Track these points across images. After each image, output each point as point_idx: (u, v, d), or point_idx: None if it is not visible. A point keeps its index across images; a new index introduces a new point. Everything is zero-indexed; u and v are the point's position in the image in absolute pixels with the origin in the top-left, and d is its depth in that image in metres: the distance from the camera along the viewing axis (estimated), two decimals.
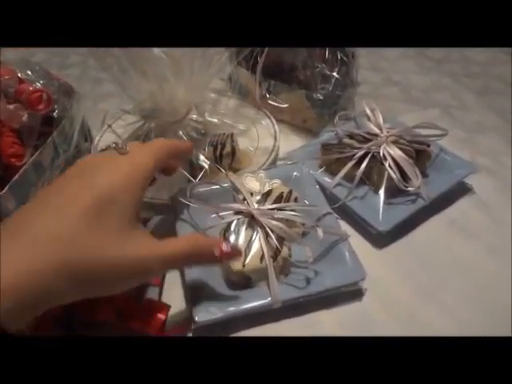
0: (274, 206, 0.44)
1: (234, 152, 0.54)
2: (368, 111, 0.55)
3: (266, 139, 0.60)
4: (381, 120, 0.54)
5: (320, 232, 0.42)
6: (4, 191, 0.44)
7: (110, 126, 0.62)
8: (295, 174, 0.50)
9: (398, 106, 0.71)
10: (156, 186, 0.53)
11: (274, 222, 0.42)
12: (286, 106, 0.63)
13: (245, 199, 0.45)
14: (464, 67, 0.80)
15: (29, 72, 0.53)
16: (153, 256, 0.32)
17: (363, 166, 0.49)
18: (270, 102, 0.63)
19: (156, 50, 0.45)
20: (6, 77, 0.49)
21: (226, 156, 0.54)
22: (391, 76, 0.78)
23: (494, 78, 0.77)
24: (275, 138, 0.59)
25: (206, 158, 0.53)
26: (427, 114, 0.68)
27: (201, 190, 0.48)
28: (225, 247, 0.36)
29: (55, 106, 0.52)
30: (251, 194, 0.46)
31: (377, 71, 0.79)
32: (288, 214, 0.43)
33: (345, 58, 0.62)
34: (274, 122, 0.62)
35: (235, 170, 0.55)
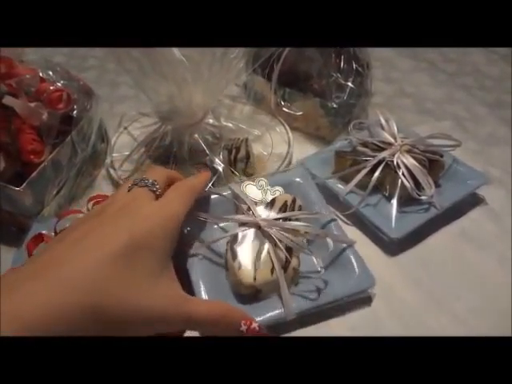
0: (280, 215, 0.44)
1: (248, 157, 0.55)
2: (382, 120, 0.56)
3: (280, 146, 0.61)
4: (395, 129, 0.54)
5: (330, 242, 0.42)
6: (22, 187, 0.45)
7: (126, 128, 0.64)
8: (296, 179, 0.50)
9: (410, 116, 0.71)
10: None
11: (283, 233, 0.42)
12: (300, 113, 0.63)
13: (249, 209, 0.45)
14: (477, 80, 0.81)
15: (50, 72, 0.54)
16: (179, 314, 0.31)
17: (377, 173, 0.50)
18: (284, 109, 0.64)
19: (176, 53, 0.46)
20: (28, 76, 0.50)
21: (241, 160, 0.55)
22: (404, 87, 0.79)
23: (507, 91, 0.77)
24: (289, 145, 0.60)
25: (220, 161, 0.54)
26: (440, 125, 0.68)
27: (201, 199, 0.47)
28: (254, 326, 0.33)
29: (74, 106, 0.53)
30: (255, 203, 0.46)
31: (390, 82, 0.80)
32: (296, 224, 0.43)
33: (359, 69, 0.63)
34: (288, 129, 0.63)
35: (249, 175, 0.56)
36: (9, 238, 0.49)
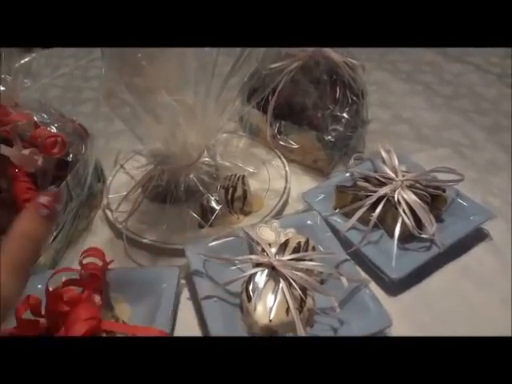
0: (294, 256, 0.44)
1: (245, 195, 0.55)
2: (383, 154, 0.56)
3: (277, 181, 0.60)
4: (396, 163, 0.54)
5: (345, 281, 0.42)
6: None
7: (122, 166, 0.63)
8: (308, 222, 0.50)
9: (408, 144, 0.71)
10: (167, 229, 0.53)
11: (297, 273, 0.42)
12: (296, 146, 0.63)
13: (263, 250, 0.45)
14: (473, 103, 0.81)
15: (44, 115, 0.54)
16: None
17: (378, 210, 0.49)
18: (280, 142, 0.64)
19: (168, 98, 0.45)
20: (23, 121, 0.50)
21: (238, 199, 0.54)
22: (400, 112, 0.79)
23: (505, 114, 0.77)
24: (286, 180, 0.60)
25: (217, 201, 0.54)
26: (438, 153, 0.68)
27: (214, 243, 0.48)
28: (42, 201, 0.32)
29: (69, 150, 0.52)
30: (269, 244, 0.46)
31: (385, 107, 0.80)
32: (309, 264, 0.43)
33: (355, 98, 0.63)
34: (285, 162, 0.62)
35: (247, 213, 0.55)
36: None
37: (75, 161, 0.52)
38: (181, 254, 0.51)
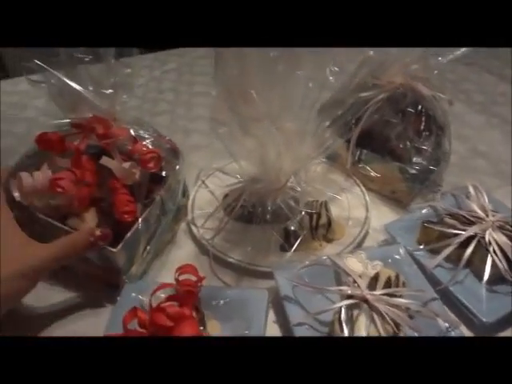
0: (386, 291, 0.44)
1: (329, 223, 0.55)
2: (471, 190, 0.55)
3: (357, 209, 0.60)
4: (486, 202, 0.53)
5: (441, 322, 0.42)
6: (118, 248, 0.46)
7: (203, 182, 0.65)
8: (394, 255, 0.50)
9: (486, 179, 0.70)
10: (249, 251, 0.54)
11: (390, 308, 0.42)
12: (377, 176, 0.63)
13: (355, 282, 0.45)
14: None
15: (141, 131, 0.56)
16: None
17: (469, 251, 0.49)
18: (360, 171, 0.64)
19: (271, 127, 0.47)
20: (124, 136, 0.52)
21: (322, 226, 0.55)
22: (477, 146, 0.78)
23: None
24: (367, 209, 0.60)
25: (301, 226, 0.54)
26: None
27: (303, 269, 0.48)
28: (98, 233, 0.45)
29: (163, 165, 0.54)
30: (359, 276, 0.46)
31: (462, 140, 0.79)
32: (403, 301, 0.43)
33: (438, 131, 0.63)
34: (365, 191, 0.63)
35: (329, 240, 0.56)
36: (101, 295, 0.51)
37: (168, 176, 0.54)
38: (265, 276, 0.52)
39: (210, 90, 0.98)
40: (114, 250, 0.46)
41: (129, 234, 0.48)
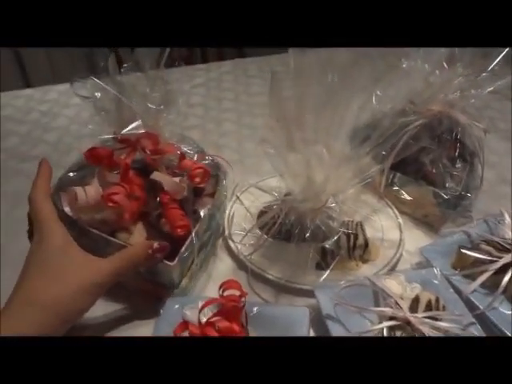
0: (428, 314, 0.45)
1: (366, 244, 0.56)
2: (507, 217, 0.56)
3: (391, 231, 0.62)
4: None
5: None
6: (175, 262, 0.48)
7: (238, 197, 0.66)
8: (432, 279, 0.51)
9: None
10: (287, 268, 0.55)
11: (433, 331, 0.43)
12: (410, 199, 0.64)
13: (397, 303, 0.46)
14: None
15: (186, 147, 0.57)
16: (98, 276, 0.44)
17: (507, 278, 0.50)
18: (393, 193, 0.65)
19: (323, 151, 0.48)
20: (170, 153, 0.54)
21: (359, 247, 0.56)
22: (503, 173, 0.79)
23: None
24: (400, 231, 0.61)
25: (338, 245, 0.56)
26: None
27: (344, 289, 0.50)
28: (155, 245, 0.46)
29: (209, 180, 0.56)
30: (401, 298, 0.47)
31: (488, 166, 0.79)
32: (444, 324, 0.44)
33: (473, 159, 0.64)
34: (397, 213, 0.64)
35: (364, 261, 0.57)
36: (146, 308, 0.51)
37: (214, 191, 0.56)
38: (303, 293, 0.53)
39: (238, 106, 1.02)
40: (171, 263, 0.47)
41: (184, 248, 0.49)
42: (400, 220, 0.63)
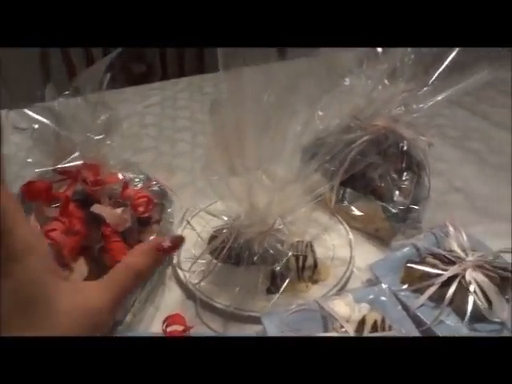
0: (372, 335, 0.45)
1: (316, 265, 0.56)
2: (451, 230, 0.57)
3: (342, 248, 0.62)
4: (465, 241, 0.55)
5: None
6: None
7: (188, 222, 0.65)
8: (380, 297, 0.52)
9: (463, 215, 0.72)
10: (236, 294, 0.55)
11: None
12: (360, 214, 0.65)
13: (342, 327, 0.46)
14: None
15: (129, 174, 0.56)
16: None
17: (451, 291, 0.50)
18: (344, 209, 0.66)
19: (264, 178, 0.48)
20: (112, 182, 0.53)
21: (308, 268, 0.56)
22: (452, 181, 0.80)
23: None
24: (351, 248, 0.61)
25: (287, 267, 0.55)
26: (495, 227, 0.69)
27: (292, 314, 0.49)
28: (164, 244, 0.35)
29: (154, 209, 0.55)
30: (346, 320, 0.47)
31: (438, 175, 0.81)
32: None
33: (420, 172, 0.65)
34: (348, 229, 0.64)
35: (315, 282, 0.57)
36: None
37: (159, 219, 0.55)
38: (253, 320, 0.52)
39: (193, 124, 1.01)
40: None
41: None
42: (351, 237, 0.63)
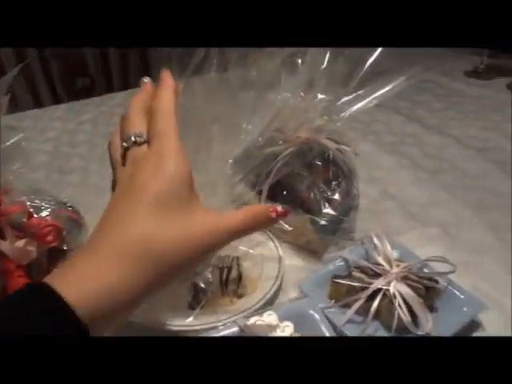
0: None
1: (240, 277, 0.54)
2: (375, 241, 0.56)
3: (270, 263, 0.60)
4: (389, 251, 0.54)
5: None
6: None
7: None
8: (306, 314, 0.50)
9: (396, 222, 0.72)
10: (158, 309, 0.52)
11: None
12: (290, 228, 0.63)
13: None
14: (457, 179, 0.83)
15: (38, 201, 0.53)
16: (219, 230, 0.37)
17: (375, 305, 0.49)
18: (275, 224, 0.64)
19: None
20: (17, 213, 0.49)
21: (232, 281, 0.54)
22: (387, 188, 0.80)
23: (487, 191, 0.79)
24: (279, 263, 0.59)
25: (210, 281, 0.53)
26: (427, 233, 0.69)
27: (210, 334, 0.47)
28: (279, 210, 0.39)
29: (64, 238, 0.51)
30: None
31: (373, 183, 0.81)
32: None
33: (347, 182, 0.65)
34: (278, 245, 0.62)
35: (240, 296, 0.55)
36: None
37: (70, 249, 0.51)
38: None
39: None
40: None
41: None
42: (280, 252, 0.61)
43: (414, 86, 1.24)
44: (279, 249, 0.62)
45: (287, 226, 0.63)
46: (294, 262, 0.63)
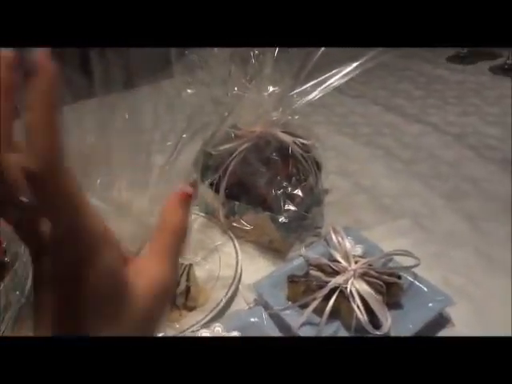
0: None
1: (188, 290, 0.51)
2: (334, 237, 0.53)
3: (228, 269, 0.57)
4: (347, 248, 0.52)
5: None
6: None
7: None
8: (256, 321, 0.47)
9: (367, 216, 0.69)
10: None
11: None
12: (250, 228, 0.61)
13: None
14: (432, 167, 0.80)
15: None
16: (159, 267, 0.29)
17: (330, 304, 0.47)
18: (235, 223, 0.62)
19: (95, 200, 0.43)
20: None
21: (180, 295, 0.51)
22: (360, 181, 0.77)
23: (463, 178, 0.76)
24: (236, 270, 0.56)
25: None
26: (397, 225, 0.66)
27: None
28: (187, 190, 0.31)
29: (6, 252, 0.49)
30: None
31: (345, 176, 0.78)
32: None
33: (308, 176, 0.62)
34: (238, 248, 0.60)
35: (191, 309, 0.52)
36: None
37: (14, 262, 0.49)
38: None
39: None
40: None
41: None
42: (239, 257, 0.58)
43: (395, 74, 1.23)
44: (238, 253, 0.59)
45: (248, 226, 0.61)
46: (255, 263, 0.60)
